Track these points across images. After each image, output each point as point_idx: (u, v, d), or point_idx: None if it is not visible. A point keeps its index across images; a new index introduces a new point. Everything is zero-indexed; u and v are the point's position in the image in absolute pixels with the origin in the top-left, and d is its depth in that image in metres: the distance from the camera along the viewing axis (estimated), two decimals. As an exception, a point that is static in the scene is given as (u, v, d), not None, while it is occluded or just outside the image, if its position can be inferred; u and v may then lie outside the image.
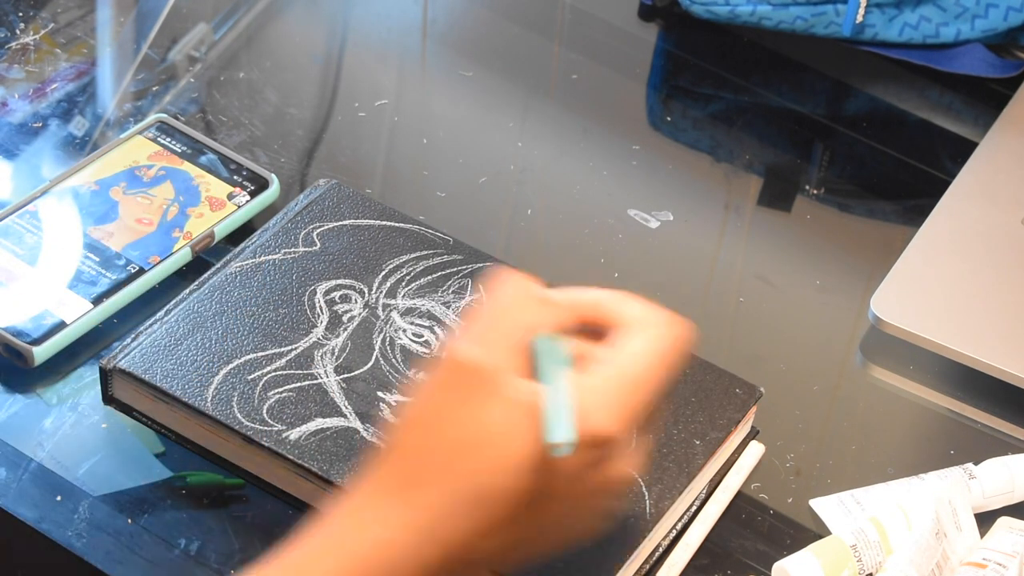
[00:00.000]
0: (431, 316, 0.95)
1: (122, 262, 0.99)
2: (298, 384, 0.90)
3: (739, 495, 0.93)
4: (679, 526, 0.90)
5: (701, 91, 1.19)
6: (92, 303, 0.96)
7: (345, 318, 0.94)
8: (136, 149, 1.05)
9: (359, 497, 0.75)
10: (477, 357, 0.74)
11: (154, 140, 1.05)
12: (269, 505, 0.89)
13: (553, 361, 0.75)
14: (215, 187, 1.03)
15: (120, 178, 1.03)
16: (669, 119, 1.18)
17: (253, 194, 1.03)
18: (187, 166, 1.04)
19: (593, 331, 0.78)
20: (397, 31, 1.21)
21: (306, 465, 0.86)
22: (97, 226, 1.00)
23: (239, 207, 1.02)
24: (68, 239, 0.99)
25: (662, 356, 0.76)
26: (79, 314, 0.96)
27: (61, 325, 0.95)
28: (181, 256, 1.00)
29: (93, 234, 1.00)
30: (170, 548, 0.87)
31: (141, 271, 0.98)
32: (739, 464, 0.94)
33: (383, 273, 0.97)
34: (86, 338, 0.96)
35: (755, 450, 0.95)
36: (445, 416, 0.75)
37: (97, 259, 0.99)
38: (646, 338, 0.77)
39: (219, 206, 1.02)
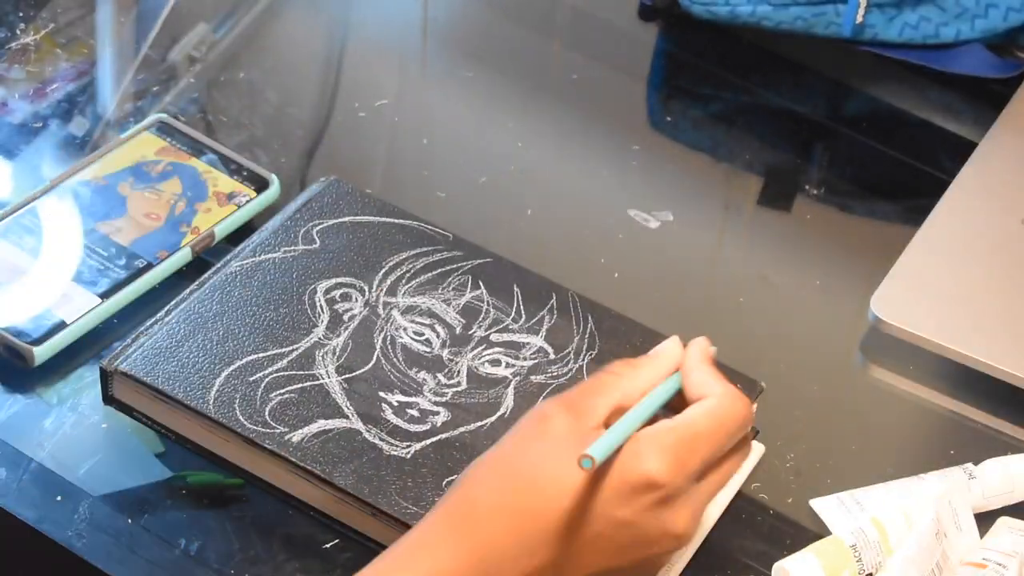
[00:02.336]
0: (431, 314, 0.95)
1: (130, 257, 0.99)
2: (300, 385, 0.90)
3: (739, 495, 0.93)
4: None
5: (701, 91, 1.19)
6: (100, 298, 0.96)
7: (346, 317, 0.94)
8: (144, 145, 1.05)
9: (419, 530, 0.78)
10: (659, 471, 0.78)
11: (161, 136, 1.05)
12: (269, 505, 0.89)
13: (652, 401, 0.81)
14: (222, 182, 1.03)
15: (128, 173, 1.03)
16: (669, 119, 1.19)
17: (253, 194, 1.03)
18: (194, 162, 1.04)
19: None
20: (397, 31, 1.21)
21: (309, 468, 0.86)
22: (105, 221, 1.01)
23: (240, 207, 1.03)
24: (76, 234, 0.99)
25: (722, 421, 0.81)
26: (80, 314, 0.96)
27: (61, 325, 0.95)
28: (181, 256, 1.00)
29: (101, 229, 1.00)
30: (170, 548, 0.87)
31: (149, 266, 0.98)
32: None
33: (383, 271, 0.97)
34: (86, 338, 0.96)
35: (755, 450, 0.95)
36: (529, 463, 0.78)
37: (105, 254, 0.99)
38: (709, 404, 0.81)
39: (226, 201, 1.02)
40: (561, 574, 0.77)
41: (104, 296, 0.97)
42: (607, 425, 0.79)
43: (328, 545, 0.88)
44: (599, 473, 0.77)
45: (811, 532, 0.92)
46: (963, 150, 1.13)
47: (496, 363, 0.93)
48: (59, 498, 0.89)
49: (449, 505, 0.78)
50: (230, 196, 1.03)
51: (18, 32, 1.15)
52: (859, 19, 1.16)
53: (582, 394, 0.80)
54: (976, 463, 0.94)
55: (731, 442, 0.81)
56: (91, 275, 0.98)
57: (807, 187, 1.13)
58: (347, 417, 0.89)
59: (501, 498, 0.77)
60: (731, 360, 0.96)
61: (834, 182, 1.14)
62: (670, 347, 0.84)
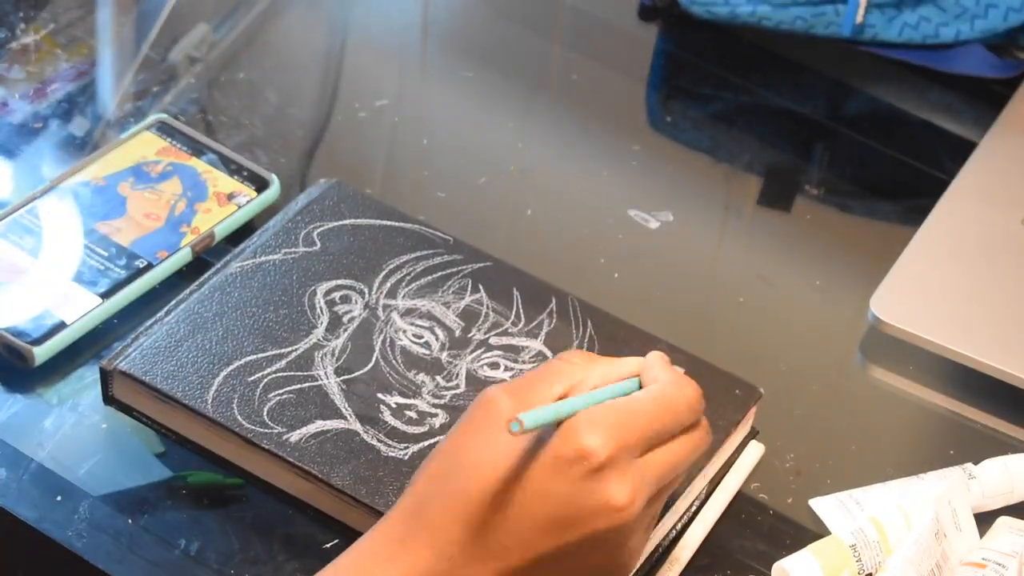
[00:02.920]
0: (431, 317, 0.95)
1: (130, 257, 0.99)
2: (298, 386, 0.90)
3: (739, 495, 0.93)
4: (679, 526, 0.90)
5: (701, 91, 1.19)
6: (100, 298, 0.96)
7: (345, 319, 0.94)
8: (144, 145, 1.05)
9: (377, 531, 0.78)
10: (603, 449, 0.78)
11: (162, 136, 1.05)
12: (269, 505, 0.89)
13: (602, 394, 0.80)
14: (222, 183, 1.03)
15: (128, 174, 1.03)
16: (669, 119, 1.19)
17: (253, 194, 1.03)
18: (194, 162, 1.04)
19: None
20: (397, 31, 1.21)
21: (306, 468, 0.87)
22: (105, 221, 1.01)
23: (240, 207, 1.03)
24: (76, 234, 1.00)
25: (663, 401, 0.80)
26: (80, 314, 0.96)
27: (61, 325, 0.95)
28: (181, 256, 1.00)
29: (101, 229, 1.00)
30: (170, 548, 0.87)
31: (149, 266, 0.98)
32: (739, 464, 0.94)
33: (383, 273, 0.97)
34: (87, 338, 0.96)
35: (755, 450, 0.95)
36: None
37: (105, 254, 0.99)
38: (653, 387, 0.81)
39: (226, 201, 1.02)
40: (510, 557, 0.77)
41: (104, 296, 0.97)
42: None
43: (328, 545, 0.88)
44: (535, 452, 0.77)
45: (811, 532, 0.92)
46: (963, 150, 1.13)
47: (495, 366, 0.93)
48: (59, 498, 0.89)
49: (405, 502, 0.78)
50: (230, 196, 1.03)
51: (18, 32, 1.15)
52: (859, 19, 1.16)
53: (529, 380, 0.80)
54: (976, 463, 0.94)
55: (677, 422, 0.80)
56: (91, 275, 0.98)
57: (807, 187, 1.13)
58: (345, 418, 0.89)
59: (447, 488, 0.77)
60: (731, 360, 0.96)
61: (834, 182, 1.14)
62: (638, 358, 0.84)
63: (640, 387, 0.82)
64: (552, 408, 0.77)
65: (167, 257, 0.99)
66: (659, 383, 0.81)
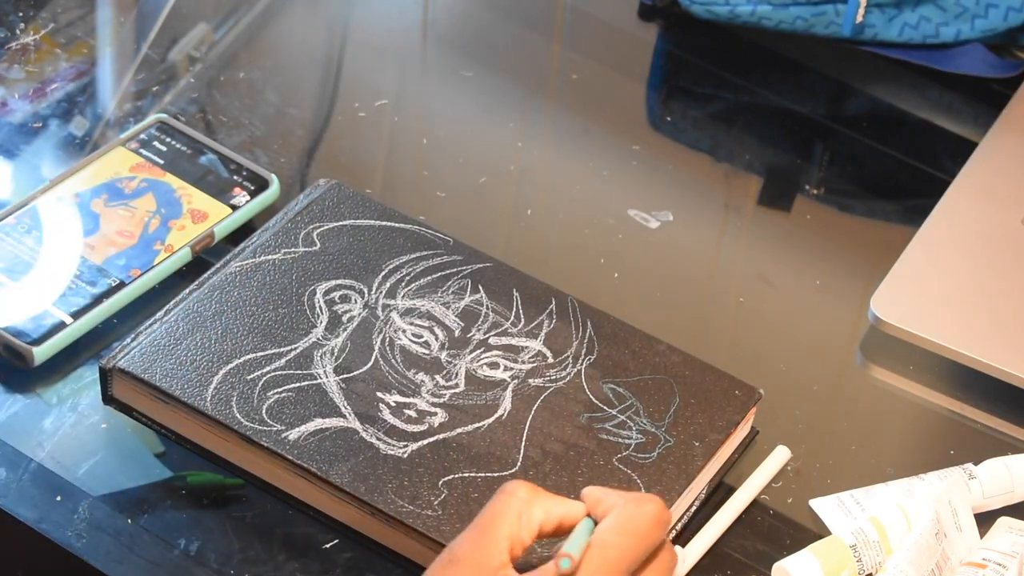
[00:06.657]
0: (431, 317, 0.95)
1: (103, 275, 0.98)
2: (297, 384, 0.90)
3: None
4: (678, 526, 0.90)
5: (701, 91, 1.19)
6: (100, 298, 0.96)
7: (345, 318, 0.94)
8: (118, 160, 1.04)
9: None
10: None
11: (136, 151, 1.04)
12: (269, 505, 0.90)
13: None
14: (197, 199, 1.03)
15: (101, 190, 1.03)
16: (669, 119, 1.19)
17: (253, 194, 1.03)
18: (169, 178, 1.03)
19: None
20: (397, 31, 1.22)
21: (305, 465, 0.87)
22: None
23: (239, 207, 1.03)
24: (49, 252, 0.99)
25: (631, 527, 0.78)
26: (79, 314, 0.96)
27: (61, 325, 0.95)
28: (181, 256, 1.00)
29: (101, 229, 1.00)
30: (170, 548, 0.88)
31: (122, 284, 0.98)
32: (764, 467, 0.93)
33: (383, 273, 0.97)
34: (86, 338, 0.96)
35: (781, 455, 0.94)
36: None
37: (77, 272, 0.98)
38: (613, 515, 0.79)
39: (202, 219, 1.02)
40: None
41: (104, 296, 0.97)
42: (512, 557, 0.77)
43: (328, 545, 0.88)
44: None
45: (811, 532, 0.92)
46: (963, 150, 1.13)
47: (494, 366, 0.93)
48: (59, 498, 0.89)
49: None
50: (228, 197, 1.03)
51: (18, 32, 1.15)
52: (859, 19, 1.16)
53: (482, 529, 0.78)
54: (976, 463, 0.94)
55: (649, 543, 0.78)
56: (91, 275, 0.98)
57: (807, 187, 1.13)
58: (344, 416, 0.89)
59: None
60: (730, 360, 0.96)
61: (834, 182, 1.14)
62: (579, 502, 0.81)
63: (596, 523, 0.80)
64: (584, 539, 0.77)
65: (140, 275, 0.98)
66: (615, 509, 0.79)
